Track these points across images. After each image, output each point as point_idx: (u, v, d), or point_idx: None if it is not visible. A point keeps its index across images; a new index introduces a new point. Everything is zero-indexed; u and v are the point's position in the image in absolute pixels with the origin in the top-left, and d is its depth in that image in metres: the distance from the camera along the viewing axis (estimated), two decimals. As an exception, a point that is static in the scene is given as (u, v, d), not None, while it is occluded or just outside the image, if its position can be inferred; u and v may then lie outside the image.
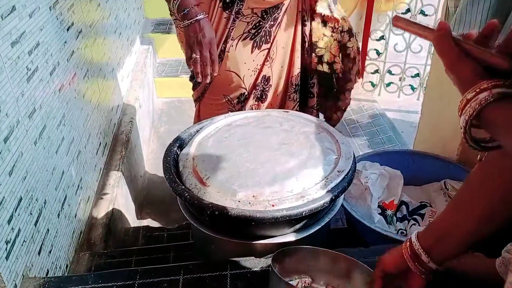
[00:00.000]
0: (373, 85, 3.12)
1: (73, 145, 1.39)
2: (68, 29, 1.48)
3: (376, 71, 3.09)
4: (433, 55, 1.77)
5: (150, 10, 3.31)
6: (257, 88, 1.60)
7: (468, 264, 0.95)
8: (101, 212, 1.53)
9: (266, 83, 1.61)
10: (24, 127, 1.07)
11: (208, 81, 1.39)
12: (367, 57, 3.05)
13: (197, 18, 1.30)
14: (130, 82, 2.42)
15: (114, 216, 1.58)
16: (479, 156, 0.74)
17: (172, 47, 3.22)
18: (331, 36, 1.63)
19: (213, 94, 1.63)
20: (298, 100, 1.65)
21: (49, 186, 1.18)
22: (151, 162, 2.37)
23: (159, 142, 2.54)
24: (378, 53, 3.03)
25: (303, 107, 1.69)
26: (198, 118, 1.74)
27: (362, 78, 3.13)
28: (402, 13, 2.96)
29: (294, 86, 1.63)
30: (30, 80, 1.13)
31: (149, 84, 2.81)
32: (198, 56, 1.33)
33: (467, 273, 0.94)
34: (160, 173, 2.26)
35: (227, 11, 1.43)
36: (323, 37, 1.62)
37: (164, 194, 2.07)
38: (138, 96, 2.33)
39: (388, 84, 3.09)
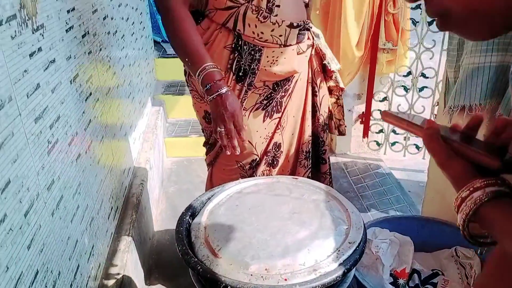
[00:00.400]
0: (378, 144, 3.17)
1: (87, 212, 1.42)
2: (86, 99, 1.55)
3: (381, 131, 3.15)
4: (436, 118, 1.82)
5: (161, 73, 3.45)
6: (269, 154, 1.64)
7: None
8: (111, 279, 1.53)
9: (277, 149, 1.65)
10: (43, 199, 1.10)
11: (237, 152, 1.41)
12: (371, 117, 3.13)
13: (219, 92, 1.34)
14: (141, 144, 2.48)
15: (124, 282, 1.57)
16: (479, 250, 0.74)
17: (182, 108, 3.33)
18: (335, 103, 1.72)
19: (226, 160, 1.67)
20: (309, 166, 1.69)
21: (64, 257, 1.20)
22: (160, 224, 2.37)
23: (168, 203, 2.56)
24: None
25: (316, 173, 1.73)
26: (210, 182, 1.78)
27: (368, 137, 3.19)
28: (403, 75, 3.08)
29: (305, 153, 1.68)
30: (50, 153, 1.18)
31: (160, 144, 2.88)
32: (223, 130, 1.37)
33: None
34: (169, 234, 2.28)
35: (239, 84, 1.51)
36: (329, 105, 1.71)
37: (173, 257, 2.06)
38: (148, 158, 2.39)
39: (393, 144, 3.14)
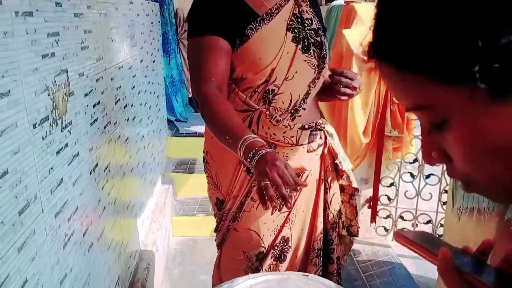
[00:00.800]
0: (386, 229, 3.15)
1: (93, 303, 1.41)
2: (103, 188, 1.60)
3: (388, 216, 3.14)
4: (446, 214, 1.84)
5: (172, 150, 3.53)
6: (276, 248, 1.65)
7: None
8: None
9: (285, 243, 1.66)
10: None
11: (289, 206, 1.26)
12: (378, 202, 3.14)
13: (261, 152, 1.24)
14: (149, 225, 2.49)
15: None
16: None
17: (191, 186, 3.37)
18: (348, 202, 1.74)
19: (234, 249, 1.68)
20: (320, 265, 1.68)
21: None
22: (163, 308, 2.32)
23: (172, 286, 2.51)
24: (389, 199, 3.12)
25: (324, 273, 1.72)
26: (218, 270, 1.77)
27: (375, 222, 3.18)
28: (410, 162, 3.13)
29: (316, 251, 1.67)
30: (65, 246, 1.20)
31: (167, 224, 2.88)
32: (267, 182, 1.21)
33: None
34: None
35: (250, 175, 1.56)
36: (340, 203, 1.73)
37: None
38: (155, 240, 2.39)
39: (401, 230, 3.11)
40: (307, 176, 1.64)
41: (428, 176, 2.96)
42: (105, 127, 1.65)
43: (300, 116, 1.53)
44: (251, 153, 1.27)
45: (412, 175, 3.03)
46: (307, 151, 1.60)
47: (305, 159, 1.60)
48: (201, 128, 3.68)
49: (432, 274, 1.97)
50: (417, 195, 3.02)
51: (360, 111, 2.88)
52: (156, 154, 2.94)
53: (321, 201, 1.67)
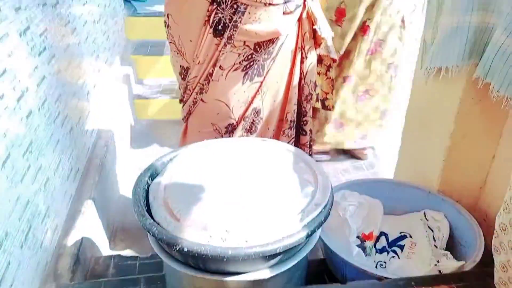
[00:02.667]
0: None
1: (40, 172, 1.33)
2: (39, 54, 1.44)
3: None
4: (412, 86, 1.78)
5: (131, 32, 3.27)
6: (246, 119, 1.56)
7: None
8: (69, 241, 1.46)
9: (256, 115, 1.57)
10: (-15, 156, 1.01)
11: None
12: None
13: None
14: (107, 105, 2.36)
15: (84, 245, 1.51)
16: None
17: (152, 69, 3.20)
18: (325, 74, 1.63)
19: (201, 121, 1.59)
20: (293, 136, 1.62)
21: (12, 218, 1.12)
22: (126, 187, 2.30)
23: (136, 166, 2.47)
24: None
25: (296, 144, 1.67)
26: (184, 144, 1.70)
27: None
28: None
29: (289, 122, 1.60)
30: (-7, 108, 1.08)
31: (128, 106, 2.76)
32: None
33: None
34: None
35: (218, 38, 1.41)
36: (317, 75, 1.62)
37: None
38: (115, 119, 2.28)
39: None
40: (282, 44, 1.50)
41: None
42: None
43: None
44: None
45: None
46: (283, 13, 1.43)
47: (280, 22, 1.43)
48: (161, 7, 3.39)
49: (396, 150, 1.96)
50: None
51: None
52: (111, 33, 2.70)
53: (296, 71, 1.56)
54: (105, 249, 1.78)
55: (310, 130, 1.67)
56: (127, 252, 1.86)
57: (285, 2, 1.42)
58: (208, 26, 1.40)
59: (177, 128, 2.81)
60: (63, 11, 1.75)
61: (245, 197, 1.11)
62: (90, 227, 1.62)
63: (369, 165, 2.62)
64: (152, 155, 2.53)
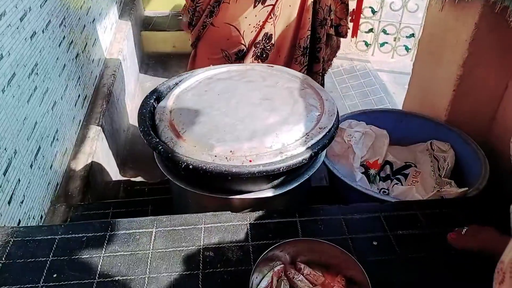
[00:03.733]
0: (366, 44, 3.04)
1: (47, 95, 1.34)
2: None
3: (371, 30, 3.00)
4: (426, 14, 1.70)
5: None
6: (258, 46, 1.52)
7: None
8: (79, 164, 1.49)
9: (267, 41, 1.53)
10: (-11, 73, 1.01)
11: None
12: (361, 15, 2.96)
13: None
14: (114, 35, 2.32)
15: (94, 169, 1.55)
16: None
17: (160, 1, 3.11)
18: None
19: (211, 48, 1.56)
20: (305, 64, 1.58)
21: (20, 136, 1.14)
22: (135, 117, 2.31)
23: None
24: (373, 12, 2.93)
25: (308, 73, 1.63)
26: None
27: (356, 37, 3.05)
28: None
29: (302, 49, 1.55)
30: (-5, 24, 1.06)
31: (135, 37, 2.71)
32: None
33: None
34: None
35: None
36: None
37: (148, 149, 2.01)
38: (122, 49, 2.25)
39: (382, 44, 3.01)
40: None
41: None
42: None
43: None
44: None
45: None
46: None
47: None
48: None
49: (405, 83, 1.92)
50: (403, 6, 2.83)
51: None
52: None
53: None
54: (114, 175, 1.83)
55: (323, 58, 1.63)
56: (137, 179, 1.91)
57: None
58: None
59: (185, 61, 2.79)
60: None
61: (250, 120, 1.11)
62: (100, 153, 1.65)
63: (378, 101, 2.59)
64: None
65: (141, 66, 2.77)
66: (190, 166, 0.97)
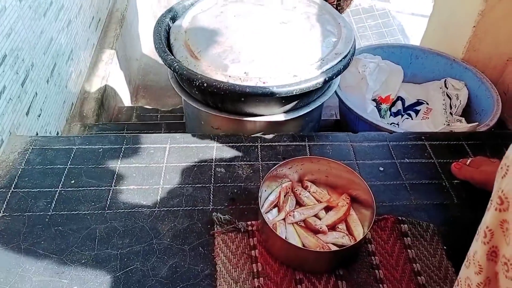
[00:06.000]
0: (387, -17, 2.93)
1: (62, 12, 1.33)
2: None
3: (393, -32, 2.88)
4: None
5: None
6: None
7: None
8: (93, 87, 1.51)
9: None
10: (5, -20, 1.00)
11: None
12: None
13: None
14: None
15: (107, 92, 1.57)
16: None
17: None
18: None
19: None
20: None
21: (37, 49, 1.15)
22: (148, 47, 2.30)
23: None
24: None
25: None
26: None
27: (377, -26, 2.93)
28: None
29: None
30: None
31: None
32: None
33: None
34: (157, 58, 2.22)
35: None
36: None
37: (160, 79, 2.04)
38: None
39: (404, -17, 2.89)
40: None
41: None
42: None
43: None
44: None
45: None
46: None
47: None
48: None
49: (424, 27, 1.86)
50: None
51: None
52: None
53: None
54: (127, 102, 1.85)
55: None
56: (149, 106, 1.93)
57: None
58: None
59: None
60: None
61: (265, 43, 1.10)
62: (113, 77, 1.66)
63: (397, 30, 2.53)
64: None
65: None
66: (205, 84, 0.98)
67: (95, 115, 1.46)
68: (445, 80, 1.45)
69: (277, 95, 0.98)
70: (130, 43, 2.00)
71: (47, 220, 0.80)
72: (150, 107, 1.67)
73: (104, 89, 1.54)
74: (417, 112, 1.42)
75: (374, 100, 1.41)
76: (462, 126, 1.23)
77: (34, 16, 1.13)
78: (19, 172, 0.89)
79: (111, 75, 1.62)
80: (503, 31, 1.41)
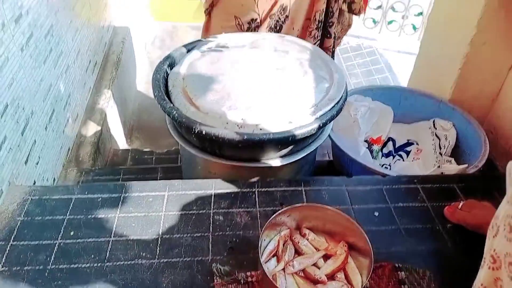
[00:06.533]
0: (374, 22, 3.03)
1: (61, 58, 1.36)
2: None
3: (379, 7, 2.98)
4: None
5: None
6: (272, 17, 1.51)
7: None
8: (90, 130, 1.53)
9: (282, 12, 1.53)
10: (10, 31, 1.03)
11: None
12: (371, -8, 2.94)
13: None
14: (123, 2, 2.32)
15: (103, 136, 1.58)
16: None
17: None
18: None
19: (223, 13, 1.55)
20: (319, 38, 1.58)
21: (37, 97, 1.17)
22: (143, 87, 2.34)
23: (151, 68, 2.47)
24: (383, -12, 2.92)
25: (320, 47, 1.63)
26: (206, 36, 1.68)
27: (364, 13, 3.03)
28: None
29: (317, 22, 1.55)
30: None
31: (144, 5, 2.70)
32: None
33: None
34: (151, 98, 2.25)
35: None
36: None
37: (155, 119, 2.06)
38: (130, 17, 2.25)
39: (390, 22, 3.00)
40: None
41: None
42: None
43: None
44: None
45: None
46: None
47: None
48: None
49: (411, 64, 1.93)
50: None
51: None
52: None
53: None
54: (122, 144, 1.86)
55: (335, 34, 1.64)
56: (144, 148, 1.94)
57: None
58: None
59: (193, 32, 2.79)
60: None
61: (261, 89, 1.14)
62: (109, 120, 1.68)
63: (383, 80, 2.61)
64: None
65: (148, 35, 2.77)
66: (203, 132, 1.00)
67: (91, 160, 1.47)
68: (434, 120, 1.50)
69: (273, 142, 1.00)
70: (125, 85, 2.03)
71: (46, 275, 0.80)
72: (145, 149, 1.68)
73: (100, 132, 1.56)
74: (408, 153, 1.45)
75: (366, 141, 1.45)
76: (452, 168, 1.26)
77: (34, 65, 1.15)
78: (18, 224, 0.89)
79: (106, 118, 1.64)
80: (487, 72, 1.47)
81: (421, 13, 2.88)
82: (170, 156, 1.65)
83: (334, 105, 1.10)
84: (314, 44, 1.58)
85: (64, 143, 1.37)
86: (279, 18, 1.53)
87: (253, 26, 1.53)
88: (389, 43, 2.99)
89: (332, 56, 1.71)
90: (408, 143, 1.49)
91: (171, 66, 1.24)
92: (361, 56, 2.83)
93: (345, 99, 1.14)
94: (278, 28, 1.55)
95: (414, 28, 2.94)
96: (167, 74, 1.21)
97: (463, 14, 1.44)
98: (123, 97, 1.97)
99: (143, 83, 2.39)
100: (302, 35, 1.58)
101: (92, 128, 1.55)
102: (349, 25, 1.88)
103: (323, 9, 1.54)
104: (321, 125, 1.05)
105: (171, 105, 1.07)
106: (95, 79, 1.73)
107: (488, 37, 1.38)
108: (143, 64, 2.54)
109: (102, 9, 1.90)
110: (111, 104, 1.73)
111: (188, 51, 1.29)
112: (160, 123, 1.91)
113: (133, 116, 2.13)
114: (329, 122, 1.08)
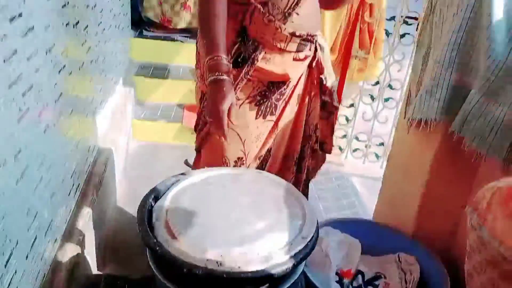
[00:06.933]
0: (340, 149, 3.28)
1: (49, 186, 1.42)
2: (60, 71, 1.54)
3: (345, 136, 3.26)
4: (397, 128, 1.92)
5: (136, 52, 3.40)
6: (260, 158, 1.66)
7: None
8: (66, 255, 1.52)
9: (268, 153, 1.68)
10: (9, 167, 1.10)
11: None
12: (337, 122, 3.22)
13: (220, 77, 1.35)
14: (109, 123, 2.46)
15: (79, 260, 1.58)
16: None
17: (153, 91, 3.31)
18: (327, 119, 1.75)
19: (212, 153, 1.66)
20: (295, 172, 1.73)
21: (22, 228, 1.20)
22: (118, 207, 2.37)
23: (129, 187, 2.54)
24: (347, 120, 3.22)
25: (295, 181, 1.77)
26: None
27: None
28: (372, 84, 3.19)
29: (295, 159, 1.71)
30: (20, 121, 1.18)
31: (127, 126, 2.86)
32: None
33: None
34: (126, 218, 2.28)
35: (236, 69, 1.51)
36: (318, 119, 1.74)
37: (130, 238, 2.08)
38: (114, 138, 2.38)
39: (355, 150, 3.25)
40: (295, 87, 1.62)
41: (387, 100, 3.05)
42: (62, 7, 1.56)
43: (292, 22, 1.48)
44: (211, 74, 1.35)
45: (372, 97, 3.10)
46: (293, 59, 1.57)
47: (289, 67, 1.57)
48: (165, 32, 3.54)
49: (378, 191, 2.11)
50: (374, 117, 3.12)
51: (330, 25, 2.86)
52: (118, 52, 2.83)
53: (304, 112, 1.69)
54: (97, 266, 1.85)
55: (308, 168, 1.79)
56: (118, 270, 1.92)
57: (297, 51, 1.57)
58: (230, 56, 1.49)
59: (173, 152, 2.92)
60: (82, 30, 1.86)
61: (240, 225, 1.22)
62: (85, 243, 1.69)
63: (350, 204, 2.75)
64: (145, 176, 2.62)
65: (129, 154, 2.88)
66: (184, 270, 1.05)
67: (65, 287, 1.45)
68: (398, 254, 1.59)
69: (251, 280, 1.06)
70: (105, 205, 2.07)
71: None
72: (119, 275, 1.67)
73: (76, 257, 1.56)
74: (376, 286, 1.52)
75: (336, 273, 1.51)
76: (418, 304, 1.33)
77: (26, 196, 1.21)
78: None
79: (84, 242, 1.65)
80: (444, 210, 1.62)
81: (382, 144, 3.15)
82: (146, 282, 1.63)
83: (307, 243, 1.19)
84: (292, 177, 1.72)
85: (41, 269, 1.36)
86: (265, 158, 1.68)
87: (238, 164, 1.64)
88: (355, 168, 3.21)
89: (307, 187, 1.84)
90: (377, 277, 1.56)
91: (156, 199, 1.32)
92: (329, 181, 3.00)
93: (317, 237, 1.23)
94: (263, 167, 1.69)
95: (377, 156, 3.20)
96: (152, 207, 1.28)
97: (418, 157, 1.63)
98: (101, 218, 1.99)
99: (121, 202, 2.43)
100: (281, 169, 1.73)
101: (68, 253, 1.54)
102: (323, 160, 2.06)
103: (299, 148, 1.72)
104: (295, 263, 1.12)
105: (155, 241, 1.13)
106: (75, 202, 1.77)
107: (441, 179, 1.56)
108: (122, 184, 2.60)
109: (91, 132, 2.02)
110: (90, 227, 1.76)
111: (172, 184, 1.39)
112: (134, 242, 1.93)
113: (109, 235, 2.14)
114: (303, 260, 1.16)
